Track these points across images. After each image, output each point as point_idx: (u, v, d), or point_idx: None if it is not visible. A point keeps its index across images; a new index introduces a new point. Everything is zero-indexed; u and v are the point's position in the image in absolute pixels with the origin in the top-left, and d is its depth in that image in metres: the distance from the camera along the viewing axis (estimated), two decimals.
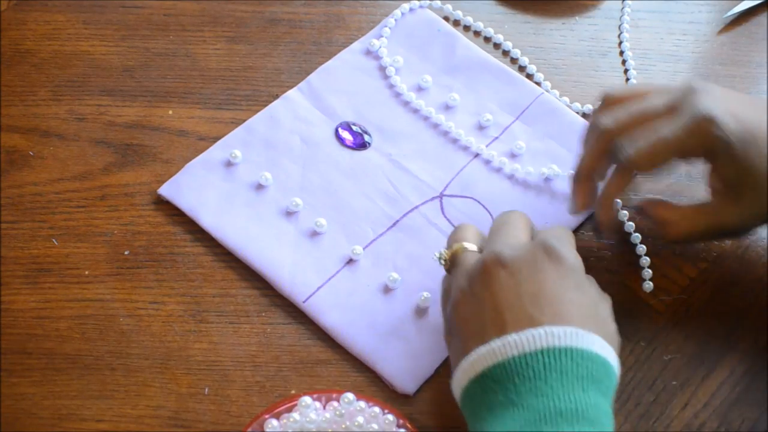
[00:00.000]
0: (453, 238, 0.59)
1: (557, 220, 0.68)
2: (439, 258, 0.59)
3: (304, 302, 0.64)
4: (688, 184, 0.70)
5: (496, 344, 0.51)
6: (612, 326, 0.55)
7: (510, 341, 0.51)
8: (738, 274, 0.67)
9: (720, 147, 0.58)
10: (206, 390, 0.61)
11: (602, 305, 0.56)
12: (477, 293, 0.54)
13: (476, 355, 0.52)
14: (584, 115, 0.73)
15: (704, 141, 0.58)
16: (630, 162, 0.60)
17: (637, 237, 0.67)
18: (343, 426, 0.57)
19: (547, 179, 0.70)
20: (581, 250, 0.67)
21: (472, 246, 0.58)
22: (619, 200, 0.68)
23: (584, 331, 0.51)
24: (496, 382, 0.51)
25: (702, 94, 0.59)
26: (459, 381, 0.53)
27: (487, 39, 0.78)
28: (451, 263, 0.58)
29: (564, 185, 0.70)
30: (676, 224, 0.62)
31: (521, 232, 0.57)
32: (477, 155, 0.71)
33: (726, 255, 0.67)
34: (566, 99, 0.74)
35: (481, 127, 0.72)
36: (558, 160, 0.71)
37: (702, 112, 0.57)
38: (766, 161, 0.57)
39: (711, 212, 0.61)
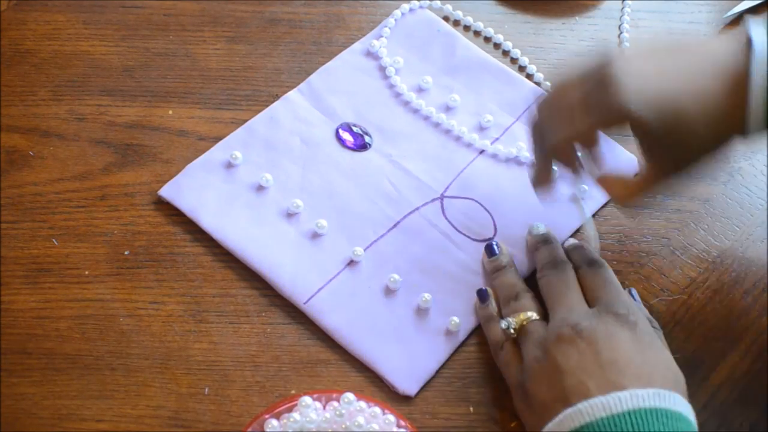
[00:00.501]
0: (512, 308, 0.61)
1: (557, 221, 0.68)
2: (507, 327, 0.60)
3: (305, 303, 0.64)
4: None
5: (583, 406, 0.53)
6: (682, 377, 0.56)
7: (596, 403, 0.52)
8: (738, 274, 0.67)
9: (638, 132, 0.57)
10: (206, 390, 0.61)
11: (672, 359, 0.57)
12: (556, 363, 0.55)
13: (563, 416, 0.53)
14: None
15: (622, 126, 0.57)
16: (551, 151, 0.61)
17: None
18: (343, 426, 0.57)
19: None
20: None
21: (535, 315, 0.60)
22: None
23: (666, 391, 0.53)
24: None
25: (615, 75, 0.55)
26: None
27: (487, 39, 0.78)
28: (519, 332, 0.60)
29: (564, 186, 0.70)
30: (621, 195, 0.62)
31: (579, 295, 0.60)
32: (477, 156, 0.71)
33: (726, 255, 0.67)
34: None
35: (481, 128, 0.72)
36: None
37: (616, 106, 0.55)
38: (682, 130, 0.56)
39: (645, 178, 0.60)
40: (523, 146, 0.71)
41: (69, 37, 0.76)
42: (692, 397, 0.61)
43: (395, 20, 0.77)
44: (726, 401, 0.62)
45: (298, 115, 0.72)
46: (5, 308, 0.63)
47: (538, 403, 0.55)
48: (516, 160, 0.71)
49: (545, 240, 0.65)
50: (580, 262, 0.63)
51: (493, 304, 0.63)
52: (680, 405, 0.53)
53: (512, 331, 0.60)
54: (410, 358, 0.62)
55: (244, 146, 0.70)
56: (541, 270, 0.63)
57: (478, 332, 0.64)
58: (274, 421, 0.58)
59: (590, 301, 0.60)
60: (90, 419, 0.60)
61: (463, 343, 0.63)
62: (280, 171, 0.69)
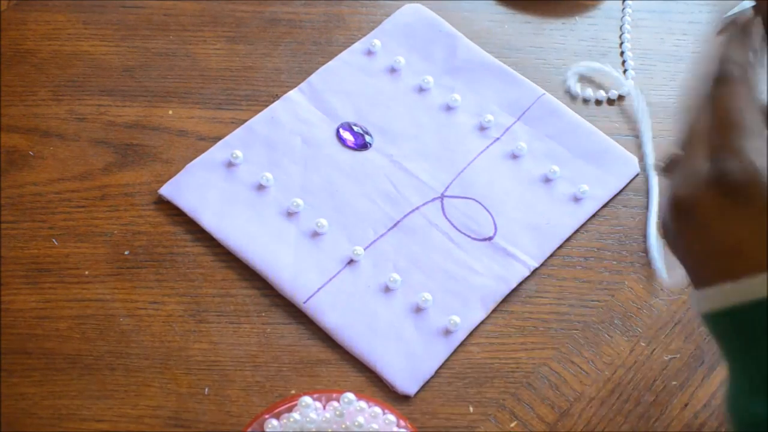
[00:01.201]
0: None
1: (557, 221, 0.68)
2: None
3: (304, 303, 0.64)
4: None
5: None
6: None
7: None
8: None
9: None
10: (206, 390, 0.61)
11: None
12: (676, 243, 0.47)
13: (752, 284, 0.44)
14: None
15: None
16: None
17: None
18: (343, 426, 0.57)
19: (549, 180, 0.70)
20: (580, 249, 0.67)
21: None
22: None
23: None
24: None
25: None
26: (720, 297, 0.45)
27: (487, 39, 0.78)
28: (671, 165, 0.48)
29: (565, 186, 0.70)
30: None
31: (758, 129, 0.45)
32: (478, 156, 0.71)
33: None
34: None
35: (482, 128, 0.72)
36: (559, 160, 0.71)
37: None
38: None
39: None
40: (523, 146, 0.71)
41: (69, 37, 0.76)
42: (692, 397, 0.61)
43: (396, 20, 0.77)
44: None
45: (299, 114, 0.72)
46: (5, 308, 0.63)
47: (725, 244, 0.45)
48: (517, 160, 0.71)
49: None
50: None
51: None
52: None
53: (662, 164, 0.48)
54: (410, 358, 0.62)
55: (244, 145, 0.70)
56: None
57: (478, 332, 0.64)
58: (274, 421, 0.58)
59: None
60: (90, 419, 0.60)
61: (462, 343, 0.63)
62: (281, 170, 0.69)
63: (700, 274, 0.47)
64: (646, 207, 0.69)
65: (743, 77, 0.47)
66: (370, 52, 0.76)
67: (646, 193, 0.70)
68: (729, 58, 0.48)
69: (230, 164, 0.69)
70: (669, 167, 0.48)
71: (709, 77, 0.48)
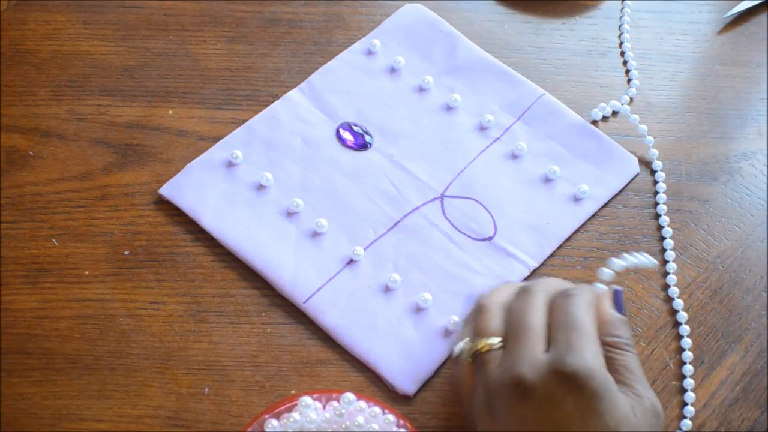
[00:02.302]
0: (476, 327, 0.55)
1: (557, 221, 0.68)
2: (459, 353, 0.55)
3: (304, 303, 0.64)
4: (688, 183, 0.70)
5: None
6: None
7: None
8: (738, 274, 0.67)
9: None
10: (206, 390, 0.61)
11: (628, 422, 0.51)
12: (499, 418, 0.52)
13: None
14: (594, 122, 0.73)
15: None
16: None
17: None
18: (343, 426, 0.57)
19: (549, 180, 0.70)
20: (580, 249, 0.67)
21: (497, 341, 0.54)
22: None
23: None
24: None
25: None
26: None
27: (487, 39, 0.78)
28: (474, 360, 0.55)
29: (564, 186, 0.70)
30: None
31: (541, 332, 0.53)
32: (478, 156, 0.71)
33: (726, 255, 0.67)
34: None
35: (482, 128, 0.72)
36: (559, 160, 0.71)
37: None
38: None
39: None
40: (523, 146, 0.71)
41: (69, 37, 0.76)
42: (692, 397, 0.61)
43: (396, 20, 0.77)
44: (726, 401, 0.62)
45: (299, 114, 0.72)
46: (5, 308, 0.63)
47: None
48: (517, 160, 0.71)
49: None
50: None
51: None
52: None
53: (464, 359, 0.55)
54: (409, 358, 0.62)
55: (244, 145, 0.70)
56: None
57: None
58: (274, 421, 0.58)
59: (549, 340, 0.53)
60: (90, 419, 0.60)
61: None
62: (281, 170, 0.69)
63: None
64: (646, 207, 0.70)
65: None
66: (370, 52, 0.76)
67: (646, 193, 0.70)
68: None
69: (230, 164, 0.69)
70: (484, 358, 0.54)
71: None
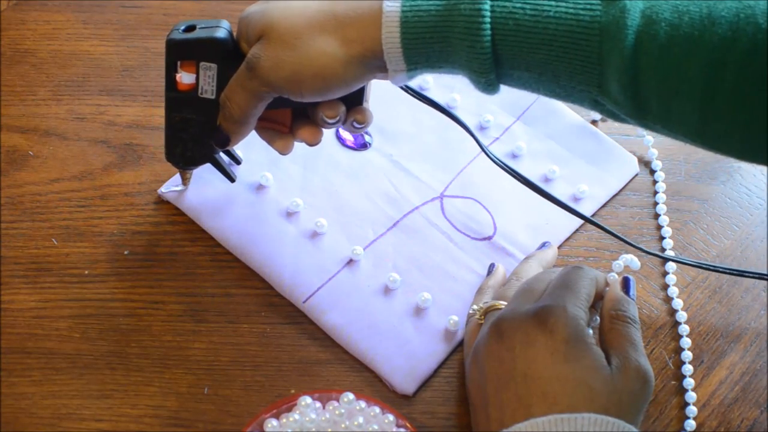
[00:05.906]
0: (498, 294, 0.61)
1: (557, 221, 0.68)
2: (473, 313, 0.61)
3: (304, 302, 0.64)
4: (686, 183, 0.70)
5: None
6: (602, 389, 0.53)
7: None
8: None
9: None
10: (206, 390, 0.61)
11: (599, 374, 0.53)
12: (481, 361, 0.56)
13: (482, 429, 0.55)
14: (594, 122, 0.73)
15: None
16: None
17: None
18: (343, 426, 0.57)
19: (548, 180, 0.70)
20: (580, 249, 0.67)
21: (504, 304, 0.59)
22: None
23: (568, 415, 0.51)
24: None
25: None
26: None
27: None
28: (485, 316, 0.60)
29: (564, 186, 0.70)
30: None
31: (535, 293, 0.58)
32: (478, 156, 0.71)
33: (726, 255, 0.68)
34: None
35: (481, 128, 0.72)
36: (558, 160, 0.71)
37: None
38: None
39: None
40: (523, 146, 0.71)
41: (69, 37, 0.76)
42: (692, 397, 0.61)
43: None
44: (726, 401, 0.62)
45: None
46: (5, 308, 0.63)
47: (471, 397, 0.57)
48: (516, 160, 0.71)
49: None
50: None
51: (491, 281, 0.64)
52: (587, 425, 0.51)
53: (478, 316, 0.60)
54: (409, 358, 0.62)
55: (244, 145, 0.70)
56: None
57: None
58: (274, 421, 0.58)
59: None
60: (89, 419, 0.60)
61: (462, 343, 0.63)
62: (281, 170, 0.69)
63: (496, 403, 0.54)
64: (646, 207, 0.70)
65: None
66: None
67: (646, 193, 0.70)
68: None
69: (230, 164, 0.69)
70: (488, 316, 0.59)
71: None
